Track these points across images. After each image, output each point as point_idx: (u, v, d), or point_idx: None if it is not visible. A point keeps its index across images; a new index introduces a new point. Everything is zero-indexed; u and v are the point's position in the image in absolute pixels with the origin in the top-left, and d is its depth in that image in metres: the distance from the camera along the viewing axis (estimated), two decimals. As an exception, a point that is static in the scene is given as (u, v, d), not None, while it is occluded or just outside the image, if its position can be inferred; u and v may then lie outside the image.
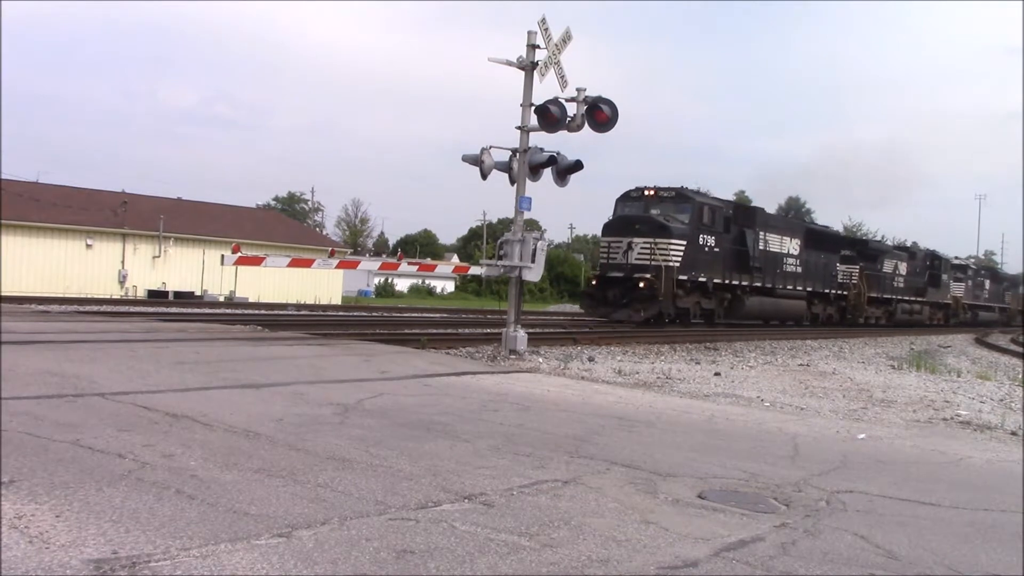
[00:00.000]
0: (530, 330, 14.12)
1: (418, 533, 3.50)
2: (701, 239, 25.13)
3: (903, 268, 41.44)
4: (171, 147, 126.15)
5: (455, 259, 70.73)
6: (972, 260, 61.37)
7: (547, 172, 13.29)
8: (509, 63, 12.78)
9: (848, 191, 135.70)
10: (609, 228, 25.67)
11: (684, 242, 24.06)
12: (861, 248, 38.19)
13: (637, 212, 25.42)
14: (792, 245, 30.78)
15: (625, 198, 26.02)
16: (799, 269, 31.17)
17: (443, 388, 8.14)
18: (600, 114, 12.49)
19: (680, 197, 25.61)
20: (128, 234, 38.07)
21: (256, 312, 23.68)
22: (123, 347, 9.08)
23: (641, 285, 23.19)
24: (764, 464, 5.51)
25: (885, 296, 38.58)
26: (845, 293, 34.92)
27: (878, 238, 64.68)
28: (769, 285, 28.68)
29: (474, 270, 15.96)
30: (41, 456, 4.30)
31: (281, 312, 25.17)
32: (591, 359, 13.04)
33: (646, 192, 25.59)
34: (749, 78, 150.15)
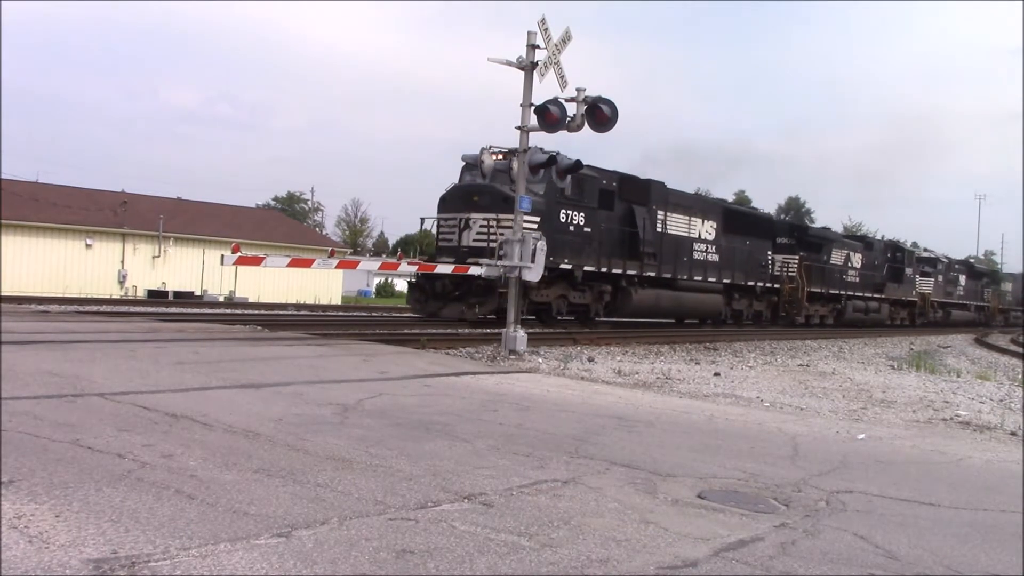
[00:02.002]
0: (530, 331, 14.12)
1: (418, 533, 3.50)
2: (564, 215, 20.03)
3: (856, 260, 36.39)
4: (172, 147, 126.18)
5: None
6: (948, 255, 54.93)
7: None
8: (509, 63, 12.78)
9: (848, 191, 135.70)
10: (443, 202, 20.13)
11: (537, 218, 18.49)
12: (801, 235, 32.92)
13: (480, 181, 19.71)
14: (705, 228, 25.58)
15: (468, 166, 20.19)
16: (715, 257, 25.86)
17: (443, 388, 8.14)
18: (600, 114, 12.49)
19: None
20: (128, 234, 38.05)
21: (256, 312, 23.68)
22: (123, 347, 9.08)
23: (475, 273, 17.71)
24: (764, 464, 5.51)
25: (831, 291, 33.37)
26: (778, 287, 29.96)
27: (878, 237, 62.08)
28: (668, 275, 23.39)
29: (474, 270, 15.90)
30: (41, 456, 4.30)
31: (281, 312, 25.18)
32: (591, 359, 13.04)
33: (495, 156, 19.07)
34: (750, 78, 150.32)
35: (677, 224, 24.42)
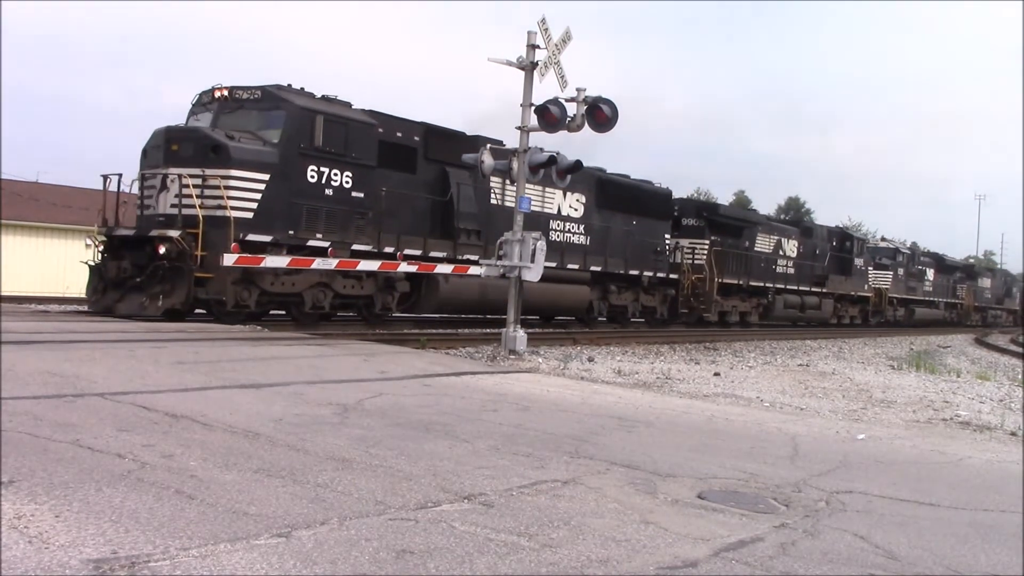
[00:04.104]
0: (530, 330, 14.13)
1: (417, 533, 3.50)
2: (315, 173, 15.00)
3: (790, 247, 31.38)
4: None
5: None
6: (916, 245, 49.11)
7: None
8: (509, 63, 12.79)
9: (848, 191, 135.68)
10: (144, 155, 15.17)
11: (265, 175, 14.24)
12: (712, 216, 27.42)
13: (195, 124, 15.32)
14: (568, 203, 20.83)
15: (197, 106, 15.66)
16: (581, 239, 21.16)
17: (443, 388, 8.14)
18: (600, 114, 12.50)
19: (269, 99, 14.93)
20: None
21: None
22: (123, 347, 9.08)
23: (161, 251, 13.49)
24: (764, 464, 5.52)
25: (753, 283, 28.58)
26: (676, 277, 25.00)
27: (880, 236, 59.65)
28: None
29: (474, 270, 15.90)
30: (41, 456, 4.30)
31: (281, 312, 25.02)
32: (591, 359, 13.05)
33: (217, 93, 15.19)
34: (751, 78, 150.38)
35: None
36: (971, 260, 69.71)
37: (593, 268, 21.40)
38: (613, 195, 22.31)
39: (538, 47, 12.69)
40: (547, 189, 19.77)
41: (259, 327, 13.64)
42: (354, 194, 15.69)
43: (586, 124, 12.59)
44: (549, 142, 14.24)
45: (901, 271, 41.68)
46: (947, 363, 19.70)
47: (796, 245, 31.92)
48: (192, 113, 15.61)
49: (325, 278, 15.57)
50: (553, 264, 18.79)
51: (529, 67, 12.75)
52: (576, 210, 21.17)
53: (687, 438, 6.40)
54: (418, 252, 16.90)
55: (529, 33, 12.69)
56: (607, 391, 9.01)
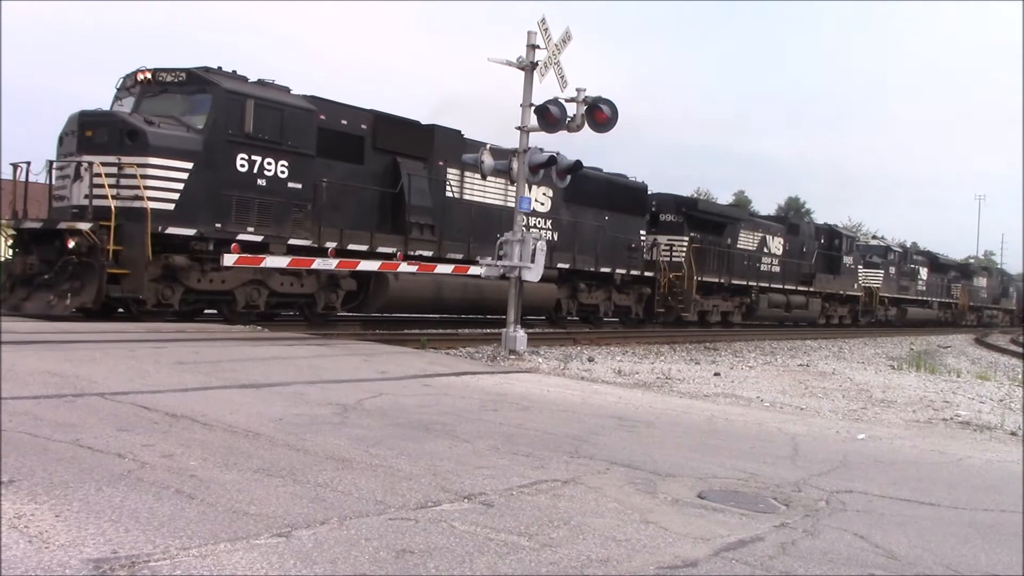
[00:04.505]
0: (530, 331, 14.13)
1: (417, 533, 3.50)
2: (245, 162, 14.04)
3: (776, 245, 30.33)
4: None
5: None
6: (900, 243, 47.83)
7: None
8: (509, 63, 12.79)
9: (848, 191, 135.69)
10: (59, 141, 14.33)
11: (187, 163, 13.40)
12: (691, 211, 26.27)
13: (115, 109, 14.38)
14: (534, 197, 19.44)
15: (121, 90, 14.71)
16: (548, 233, 20.14)
17: (443, 388, 8.14)
18: (600, 114, 12.50)
19: (194, 82, 14.06)
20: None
21: (256, 311, 23.48)
22: (123, 347, 9.08)
23: (70, 245, 12.67)
24: (764, 464, 5.52)
25: (735, 282, 27.52)
26: (651, 275, 24.05)
27: (880, 236, 56.82)
28: (459, 255, 17.60)
29: (474, 270, 15.89)
30: (41, 456, 4.30)
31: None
32: (591, 359, 13.05)
33: (140, 76, 14.23)
34: (751, 78, 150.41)
35: (482, 188, 18.21)
36: (971, 260, 69.46)
37: (560, 265, 20.23)
38: (584, 189, 20.66)
39: (538, 47, 12.70)
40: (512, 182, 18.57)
41: (260, 327, 13.63)
42: (291, 185, 14.66)
43: (586, 124, 12.59)
44: (549, 142, 14.24)
45: (893, 270, 40.64)
46: (947, 363, 19.71)
47: (782, 243, 30.96)
48: (116, 98, 14.70)
49: (259, 275, 14.59)
50: None
51: (529, 67, 12.75)
52: (543, 204, 20.26)
53: (687, 438, 6.40)
54: (364, 247, 15.86)
55: (529, 33, 12.70)
56: (607, 391, 9.01)
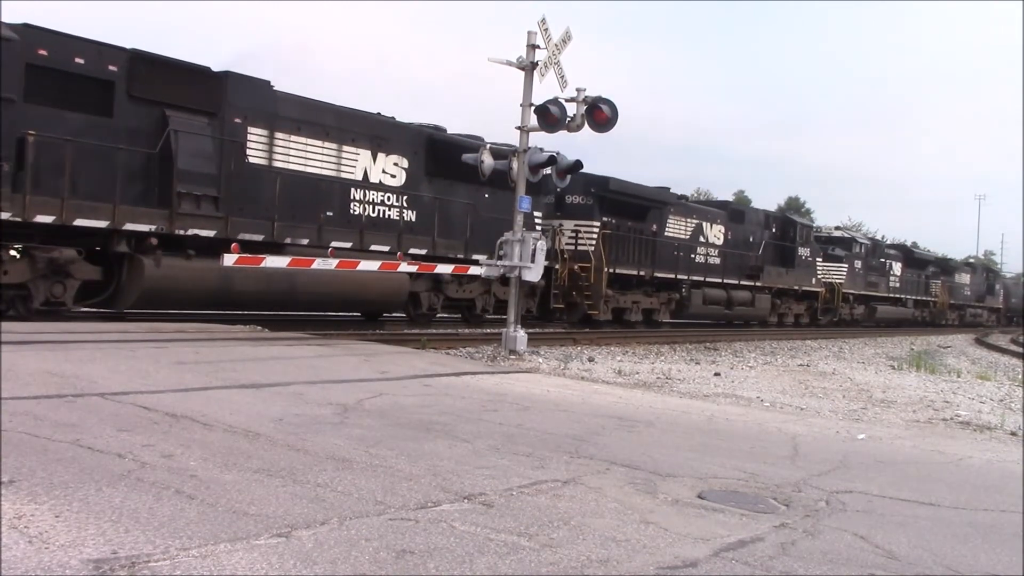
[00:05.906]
0: (530, 331, 14.14)
1: (418, 533, 3.50)
2: None
3: (715, 234, 26.82)
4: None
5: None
6: (874, 235, 43.77)
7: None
8: (509, 63, 12.79)
9: (849, 192, 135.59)
10: None
11: None
12: (603, 192, 22.00)
13: None
14: (381, 167, 16.35)
15: None
16: (398, 213, 16.69)
17: (443, 388, 8.14)
18: (600, 114, 12.50)
19: None
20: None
21: (256, 312, 23.56)
22: (123, 347, 9.07)
23: None
24: (764, 464, 5.52)
25: (661, 275, 23.79)
26: (548, 264, 18.09)
27: (879, 236, 54.74)
28: (261, 236, 14.29)
29: (474, 270, 15.87)
30: (41, 456, 4.30)
31: (281, 312, 24.99)
32: (591, 359, 13.05)
33: None
34: (751, 78, 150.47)
35: (307, 154, 14.98)
36: (971, 260, 69.33)
37: (412, 251, 16.69)
38: (454, 161, 14.98)
39: (538, 47, 12.69)
40: (346, 147, 15.68)
41: (260, 327, 13.62)
42: None
43: (586, 124, 12.59)
44: (549, 142, 14.24)
45: (859, 264, 36.62)
46: (947, 363, 19.72)
47: (723, 231, 27.24)
48: None
49: None
50: (347, 245, 15.51)
51: (529, 67, 12.75)
52: (394, 176, 16.61)
53: (687, 438, 6.40)
54: (103, 224, 12.34)
55: (529, 33, 12.69)
56: (607, 391, 9.01)
